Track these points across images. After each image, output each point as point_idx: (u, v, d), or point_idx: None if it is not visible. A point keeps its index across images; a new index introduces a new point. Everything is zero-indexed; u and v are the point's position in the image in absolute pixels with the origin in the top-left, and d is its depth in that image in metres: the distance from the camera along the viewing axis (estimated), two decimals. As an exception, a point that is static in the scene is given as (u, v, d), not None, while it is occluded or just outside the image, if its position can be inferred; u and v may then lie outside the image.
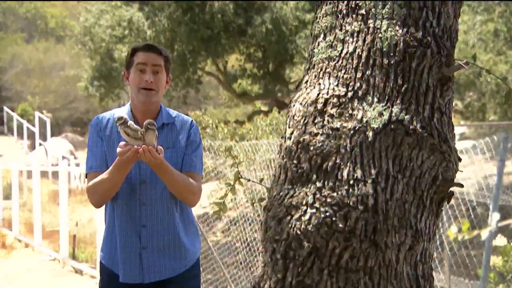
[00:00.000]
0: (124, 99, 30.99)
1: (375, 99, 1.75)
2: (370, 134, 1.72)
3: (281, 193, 1.78)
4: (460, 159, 1.78)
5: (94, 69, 17.39)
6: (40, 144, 22.88)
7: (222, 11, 14.22)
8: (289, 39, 14.32)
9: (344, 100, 1.77)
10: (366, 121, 1.73)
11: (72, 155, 21.88)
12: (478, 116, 12.26)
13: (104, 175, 2.48)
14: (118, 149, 2.37)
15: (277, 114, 11.55)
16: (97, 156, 2.57)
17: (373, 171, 1.70)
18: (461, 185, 1.73)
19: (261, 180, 2.24)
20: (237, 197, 9.83)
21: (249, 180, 2.30)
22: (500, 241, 4.28)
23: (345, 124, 1.74)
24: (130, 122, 2.39)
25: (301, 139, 1.77)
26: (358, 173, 1.69)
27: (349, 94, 1.77)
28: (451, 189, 1.75)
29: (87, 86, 17.87)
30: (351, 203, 1.67)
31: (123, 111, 2.63)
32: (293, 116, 1.84)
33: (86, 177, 2.61)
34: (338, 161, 1.71)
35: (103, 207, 2.68)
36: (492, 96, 11.44)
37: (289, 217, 1.72)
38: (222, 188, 10.11)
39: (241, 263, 8.02)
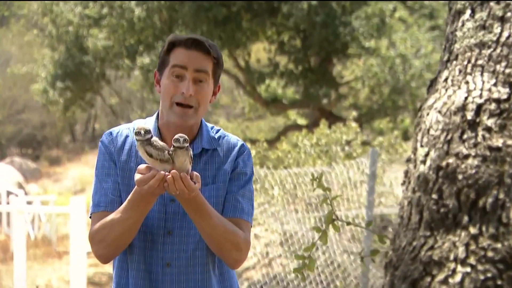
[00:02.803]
0: (97, 108, 31.31)
1: (555, 104, 1.74)
2: (549, 156, 1.72)
3: (414, 243, 1.78)
4: None
5: (57, 65, 17.54)
6: (-24, 173, 23.08)
7: (245, -20, 14.38)
8: (341, 20, 14.34)
9: (506, 106, 1.76)
10: (542, 137, 1.73)
11: (22, 189, 21.99)
12: None
13: (115, 215, 2.50)
14: (137, 176, 2.38)
15: (326, 129, 11.55)
16: (108, 189, 2.61)
17: (555, 211, 1.69)
18: None
19: (369, 224, 2.24)
20: (265, 250, 9.78)
21: (349, 224, 2.29)
22: None
23: (509, 142, 1.73)
24: (155, 138, 2.41)
25: (443, 163, 1.77)
26: (533, 214, 1.69)
27: (514, 97, 1.77)
28: None
29: (46, 89, 17.99)
30: (524, 259, 1.66)
31: (147, 125, 2.65)
32: (428, 130, 1.84)
33: (90, 217, 2.64)
34: (501, 196, 1.69)
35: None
36: None
37: (429, 278, 1.71)
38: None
39: None
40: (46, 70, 18.25)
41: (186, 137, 2.39)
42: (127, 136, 2.66)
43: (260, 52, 17.83)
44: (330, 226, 2.31)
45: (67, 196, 21.81)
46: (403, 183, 1.91)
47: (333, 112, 17.95)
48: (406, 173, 1.89)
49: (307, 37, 15.24)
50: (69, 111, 18.43)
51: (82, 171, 28.43)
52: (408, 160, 1.90)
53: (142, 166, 2.39)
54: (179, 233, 2.58)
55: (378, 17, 14.32)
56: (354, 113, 13.71)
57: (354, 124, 11.82)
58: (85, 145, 34.52)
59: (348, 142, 11.41)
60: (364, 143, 12.24)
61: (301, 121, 19.98)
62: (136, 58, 15.89)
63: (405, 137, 16.09)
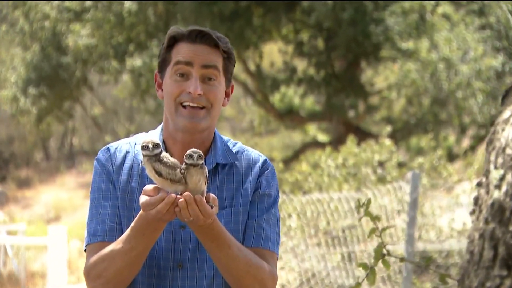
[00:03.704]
0: (76, 119, 31.29)
1: None
2: None
3: (488, 284, 1.76)
4: None
5: (29, 67, 17.58)
6: None
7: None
8: (372, 17, 14.35)
9: None
10: None
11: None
12: None
13: (115, 246, 2.52)
14: (142, 198, 2.40)
15: (354, 147, 11.55)
16: (106, 215, 2.64)
17: None
18: None
19: (429, 261, 2.22)
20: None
21: (403, 260, 2.26)
22: None
23: None
24: (165, 154, 2.44)
25: (523, 188, 1.75)
26: None
27: None
28: None
29: (16, 96, 18.05)
30: None
31: (152, 138, 2.63)
32: (503, 149, 1.83)
33: (85, 250, 2.66)
34: None
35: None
36: None
37: (508, 327, 1.71)
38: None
39: None
40: (16, 74, 18.32)
41: (201, 152, 2.40)
42: (127, 152, 2.72)
43: (274, 54, 17.85)
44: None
45: (39, 225, 21.81)
46: (473, 212, 1.88)
47: (361, 127, 17.94)
48: (477, 200, 1.87)
49: (331, 37, 15.27)
50: (43, 122, 18.47)
51: (57, 195, 28.38)
52: (479, 185, 1.87)
53: (149, 187, 2.40)
54: (191, 266, 2.61)
55: (417, 13, 14.33)
56: (388, 128, 13.70)
57: (388, 142, 11.81)
58: (61, 164, 34.49)
59: (381, 163, 11.39)
60: (400, 165, 12.22)
61: (322, 138, 19.94)
62: (125, 59, 15.89)
63: (450, 157, 16.01)
